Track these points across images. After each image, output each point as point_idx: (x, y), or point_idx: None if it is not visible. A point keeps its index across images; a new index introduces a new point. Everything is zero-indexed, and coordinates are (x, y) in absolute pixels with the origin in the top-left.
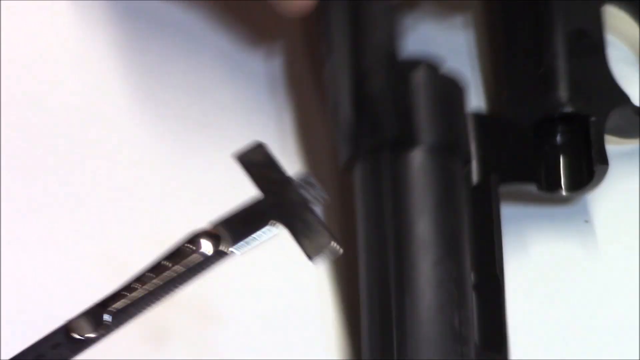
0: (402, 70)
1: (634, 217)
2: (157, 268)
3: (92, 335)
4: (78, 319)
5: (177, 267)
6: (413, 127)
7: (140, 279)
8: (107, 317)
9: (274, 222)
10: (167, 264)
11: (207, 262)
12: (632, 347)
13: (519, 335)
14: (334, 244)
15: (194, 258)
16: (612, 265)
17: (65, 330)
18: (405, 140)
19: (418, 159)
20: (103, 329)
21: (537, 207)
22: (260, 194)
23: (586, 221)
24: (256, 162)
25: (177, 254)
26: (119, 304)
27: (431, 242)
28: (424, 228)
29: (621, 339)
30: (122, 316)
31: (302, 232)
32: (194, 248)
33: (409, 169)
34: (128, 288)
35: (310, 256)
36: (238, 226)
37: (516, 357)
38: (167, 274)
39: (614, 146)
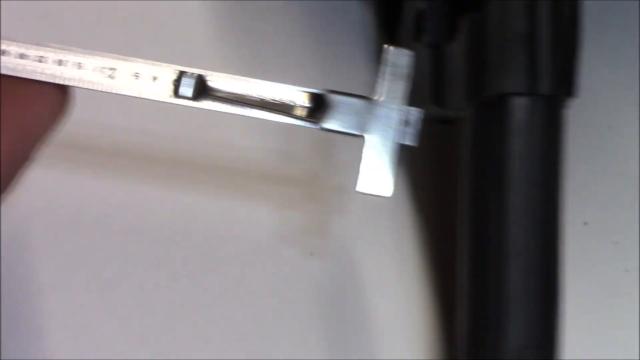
0: None
1: (633, 218)
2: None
3: (186, 95)
4: (186, 74)
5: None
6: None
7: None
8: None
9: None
10: (270, 98)
11: (294, 119)
12: (632, 346)
13: None
14: (390, 185)
15: (289, 108)
16: (611, 267)
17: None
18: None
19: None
20: (194, 100)
21: None
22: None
23: (585, 224)
24: (396, 64)
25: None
26: (218, 91)
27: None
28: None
29: (622, 338)
30: (204, 97)
31: (373, 157)
32: (295, 103)
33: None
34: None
35: (360, 184)
36: (341, 109)
37: None
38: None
39: (612, 145)
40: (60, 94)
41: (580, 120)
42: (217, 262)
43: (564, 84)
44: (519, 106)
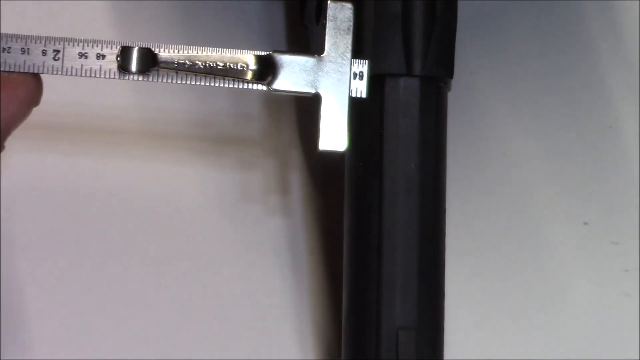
0: None
1: (633, 218)
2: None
3: (132, 70)
4: (131, 49)
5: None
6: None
7: (192, 58)
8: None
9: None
10: (218, 64)
11: (244, 83)
12: (632, 346)
13: (523, 334)
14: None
15: (238, 72)
16: (611, 267)
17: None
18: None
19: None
20: (142, 73)
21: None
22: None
23: (585, 224)
24: (339, 18)
25: (230, 62)
26: (166, 63)
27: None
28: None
29: (621, 339)
30: (154, 70)
31: (330, 114)
32: (243, 67)
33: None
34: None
35: (322, 142)
36: (290, 69)
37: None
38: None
39: (612, 145)
40: (35, 81)
41: (581, 120)
42: (180, 225)
43: (440, 65)
44: (395, 87)
